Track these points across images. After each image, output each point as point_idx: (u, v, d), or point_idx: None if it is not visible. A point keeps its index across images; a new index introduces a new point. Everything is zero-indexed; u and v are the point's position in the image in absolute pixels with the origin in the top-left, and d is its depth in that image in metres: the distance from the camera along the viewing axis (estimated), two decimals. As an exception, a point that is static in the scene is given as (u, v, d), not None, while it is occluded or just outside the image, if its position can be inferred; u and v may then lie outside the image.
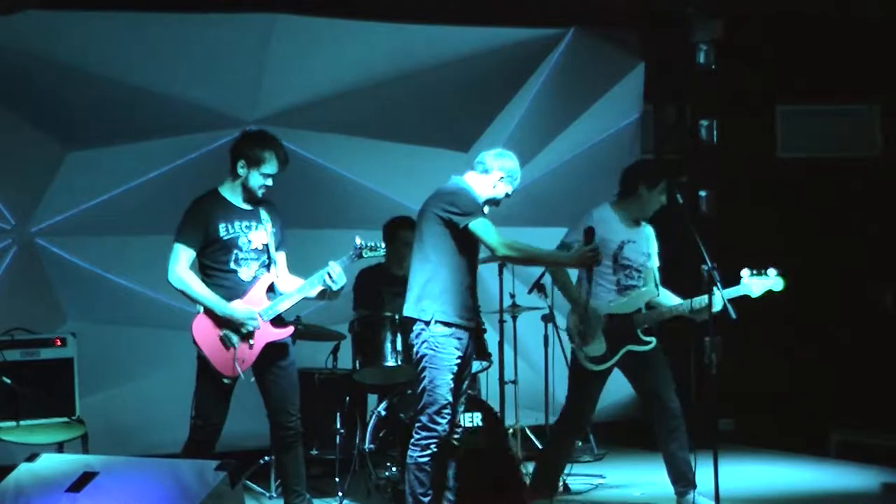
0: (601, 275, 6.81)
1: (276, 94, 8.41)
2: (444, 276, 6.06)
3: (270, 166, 6.29)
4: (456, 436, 6.22)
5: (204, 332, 6.20)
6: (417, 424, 6.08)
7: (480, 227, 6.00)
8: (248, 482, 7.25)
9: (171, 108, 8.06)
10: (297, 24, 8.25)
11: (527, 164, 9.04)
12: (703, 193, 9.22)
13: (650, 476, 7.77)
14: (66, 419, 7.21)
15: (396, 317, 7.15)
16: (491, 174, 6.22)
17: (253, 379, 6.34)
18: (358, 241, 6.43)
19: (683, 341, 8.24)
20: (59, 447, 7.15)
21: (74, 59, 7.88)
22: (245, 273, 6.26)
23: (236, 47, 8.22)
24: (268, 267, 6.34)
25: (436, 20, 8.53)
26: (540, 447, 8.17)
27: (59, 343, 7.31)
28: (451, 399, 6.06)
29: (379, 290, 7.68)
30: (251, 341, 6.22)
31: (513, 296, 7.91)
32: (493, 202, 6.26)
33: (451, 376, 6.04)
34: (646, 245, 6.96)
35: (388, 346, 7.24)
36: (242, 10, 8.11)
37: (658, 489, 7.37)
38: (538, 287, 7.82)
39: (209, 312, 6.19)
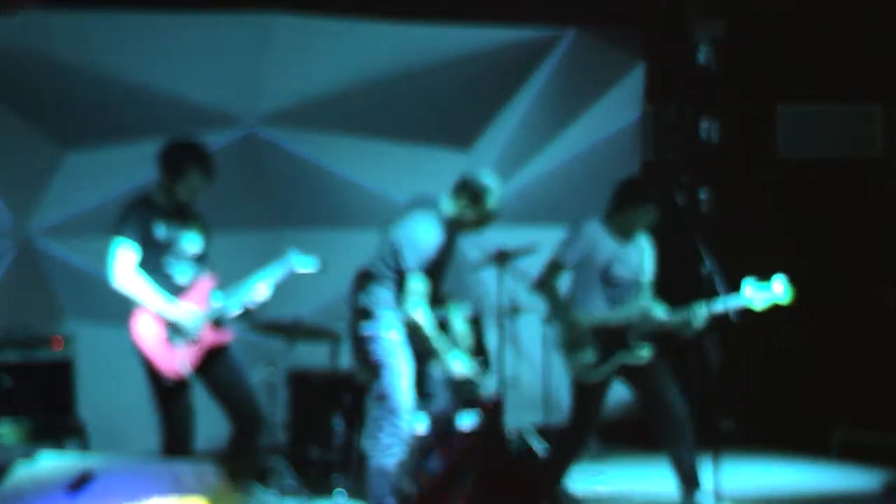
0: (591, 287, 6.87)
1: (276, 94, 8.41)
2: None
3: (195, 180, 6.22)
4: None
5: (146, 332, 6.14)
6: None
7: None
8: (249, 483, 7.23)
9: (170, 108, 8.07)
10: (297, 24, 8.25)
11: (527, 164, 9.10)
12: (703, 193, 9.22)
13: (650, 476, 7.77)
14: (65, 419, 7.21)
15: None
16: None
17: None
18: (291, 257, 6.36)
19: (683, 341, 8.23)
20: (59, 447, 7.14)
21: (74, 59, 7.88)
22: (181, 277, 6.25)
23: (236, 47, 8.22)
24: (200, 271, 6.33)
25: (436, 20, 8.53)
26: (539, 448, 8.18)
27: (58, 343, 7.31)
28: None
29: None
30: (195, 343, 6.22)
31: (512, 297, 7.91)
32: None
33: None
34: (637, 260, 6.95)
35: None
36: (242, 10, 8.11)
37: (658, 489, 7.37)
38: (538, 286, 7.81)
39: (153, 313, 6.17)
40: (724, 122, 9.28)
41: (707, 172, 9.26)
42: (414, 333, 6.15)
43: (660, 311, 6.88)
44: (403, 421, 6.16)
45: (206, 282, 6.31)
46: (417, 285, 6.11)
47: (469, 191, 6.19)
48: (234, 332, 6.44)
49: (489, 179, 6.24)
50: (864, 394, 9.15)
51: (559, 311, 6.91)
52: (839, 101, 9.84)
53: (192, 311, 6.19)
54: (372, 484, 6.22)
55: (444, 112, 8.81)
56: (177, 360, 6.14)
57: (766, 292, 6.68)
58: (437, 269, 6.27)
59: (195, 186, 6.23)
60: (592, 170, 9.20)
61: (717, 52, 9.05)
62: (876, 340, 9.39)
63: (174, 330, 6.16)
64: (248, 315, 6.36)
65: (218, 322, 6.30)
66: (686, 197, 6.96)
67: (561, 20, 8.95)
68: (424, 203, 6.33)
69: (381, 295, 6.24)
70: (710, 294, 6.57)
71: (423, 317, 6.12)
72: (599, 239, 6.88)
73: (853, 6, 9.05)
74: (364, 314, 6.27)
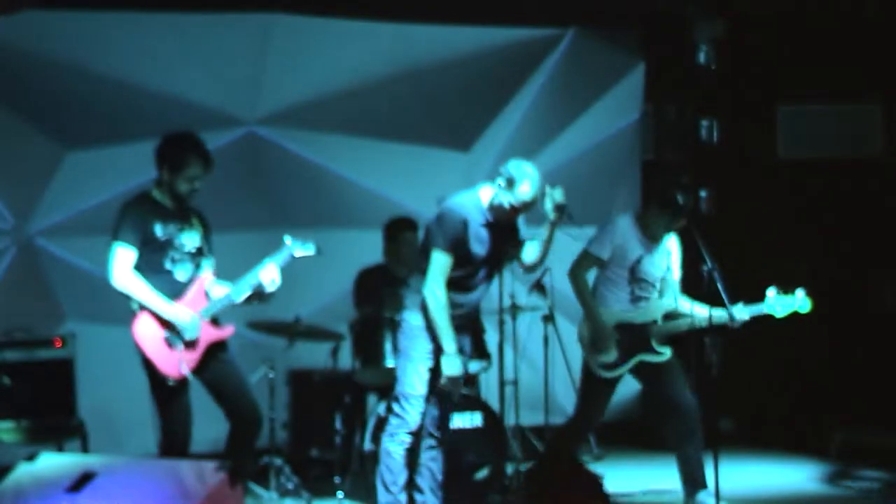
0: (616, 284, 6.88)
1: (276, 94, 8.41)
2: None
3: (194, 169, 6.21)
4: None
5: (147, 333, 6.15)
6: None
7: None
8: (248, 482, 7.24)
9: (171, 108, 8.06)
10: (297, 24, 8.25)
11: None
12: (703, 193, 9.22)
13: (650, 476, 7.77)
14: (65, 419, 7.21)
15: (397, 317, 7.17)
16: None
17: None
18: (288, 241, 6.37)
19: (683, 341, 8.24)
20: (59, 447, 7.14)
21: (74, 59, 7.87)
22: (181, 274, 6.25)
23: (236, 47, 8.22)
24: (200, 267, 6.32)
25: (436, 20, 8.53)
26: (540, 448, 8.18)
27: (58, 343, 7.31)
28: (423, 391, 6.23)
29: (379, 289, 7.68)
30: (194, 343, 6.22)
31: (512, 296, 7.90)
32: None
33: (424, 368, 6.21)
34: (663, 260, 6.95)
35: (388, 346, 7.24)
36: (242, 10, 8.11)
37: (658, 489, 7.37)
38: (538, 287, 7.82)
39: (152, 313, 6.17)
40: (724, 122, 9.28)
41: (707, 172, 9.26)
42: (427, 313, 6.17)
43: (685, 310, 6.88)
44: (411, 405, 6.19)
45: (203, 278, 6.31)
46: (437, 264, 6.11)
47: (504, 176, 6.18)
48: (233, 331, 6.42)
49: (525, 166, 6.20)
50: (864, 394, 9.15)
51: (586, 306, 6.90)
52: (839, 101, 9.84)
53: (189, 310, 6.19)
54: (379, 468, 6.28)
55: (444, 112, 8.80)
56: (177, 361, 6.14)
57: (789, 301, 6.72)
58: (476, 256, 6.24)
59: (194, 177, 6.22)
60: (592, 170, 9.19)
61: (717, 52, 9.04)
62: (875, 340, 9.39)
63: (173, 331, 6.17)
64: (260, 297, 6.33)
65: (216, 319, 6.30)
66: (686, 197, 6.96)
67: (561, 20, 8.95)
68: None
69: (411, 281, 6.34)
70: (710, 294, 6.58)
71: (431, 298, 6.11)
72: (631, 234, 6.89)
73: (853, 6, 9.04)
74: (401, 302, 6.38)
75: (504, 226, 6.28)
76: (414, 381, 6.19)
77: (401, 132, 8.77)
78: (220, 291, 6.32)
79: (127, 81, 7.99)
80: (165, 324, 6.16)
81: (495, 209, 6.20)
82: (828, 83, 9.63)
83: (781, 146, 9.95)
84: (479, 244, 6.19)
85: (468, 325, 6.44)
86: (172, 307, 6.16)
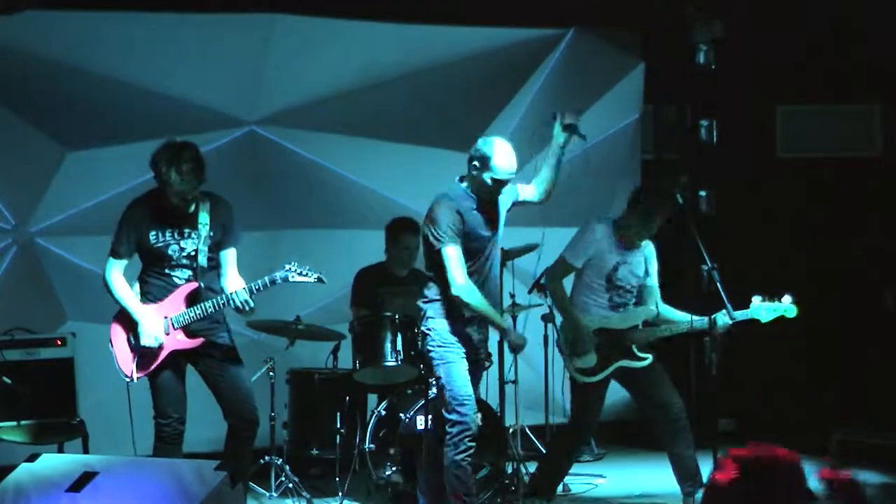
0: (595, 291, 6.88)
1: (276, 94, 8.41)
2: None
3: (177, 184, 6.10)
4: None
5: (116, 330, 6.34)
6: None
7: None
8: (247, 482, 7.23)
9: (171, 108, 8.06)
10: (297, 24, 8.25)
11: (526, 164, 9.09)
12: (703, 193, 9.22)
13: (650, 476, 7.77)
14: (66, 419, 7.21)
15: (397, 317, 7.19)
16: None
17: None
18: (288, 266, 6.30)
19: (683, 341, 8.24)
20: (59, 447, 7.15)
21: (74, 59, 7.87)
22: (178, 279, 6.31)
23: (236, 47, 8.22)
24: (196, 273, 6.31)
25: (436, 20, 8.53)
26: (541, 448, 8.18)
27: (59, 343, 7.32)
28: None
29: (377, 289, 7.69)
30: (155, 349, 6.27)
31: (512, 295, 7.90)
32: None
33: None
34: (640, 266, 6.95)
35: (388, 345, 7.25)
36: (242, 10, 8.11)
37: (658, 489, 7.37)
38: (538, 286, 7.82)
39: (128, 314, 6.29)
40: (724, 122, 9.28)
41: (707, 172, 9.25)
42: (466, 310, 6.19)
43: (668, 315, 6.89)
44: (467, 407, 6.18)
45: (189, 285, 6.30)
46: (450, 258, 6.11)
47: (475, 157, 6.24)
48: (201, 342, 6.39)
49: (491, 139, 6.29)
50: (863, 394, 9.15)
51: (565, 311, 6.90)
52: (839, 101, 9.84)
53: (155, 315, 6.24)
54: (449, 481, 6.22)
55: (445, 112, 8.80)
56: (131, 362, 6.24)
57: (774, 306, 6.72)
58: (481, 238, 6.30)
59: (178, 191, 6.13)
60: (591, 170, 9.17)
61: (717, 52, 9.04)
62: (875, 340, 9.38)
63: (136, 334, 6.24)
64: (246, 313, 6.35)
65: (189, 329, 6.30)
66: (686, 197, 6.96)
67: (561, 20, 8.95)
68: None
69: (426, 292, 6.33)
70: (710, 293, 6.58)
71: (463, 291, 6.12)
72: (607, 243, 6.87)
73: (852, 7, 9.04)
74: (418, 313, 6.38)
75: (490, 206, 6.35)
76: (463, 383, 6.20)
77: (401, 132, 8.77)
78: (236, 285, 6.31)
79: (127, 82, 7.99)
80: (132, 327, 6.25)
81: (479, 189, 6.27)
82: (828, 83, 9.63)
83: (781, 146, 9.95)
84: (480, 227, 6.28)
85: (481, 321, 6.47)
86: (140, 309, 6.24)
